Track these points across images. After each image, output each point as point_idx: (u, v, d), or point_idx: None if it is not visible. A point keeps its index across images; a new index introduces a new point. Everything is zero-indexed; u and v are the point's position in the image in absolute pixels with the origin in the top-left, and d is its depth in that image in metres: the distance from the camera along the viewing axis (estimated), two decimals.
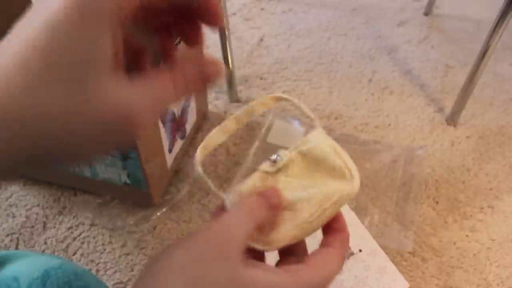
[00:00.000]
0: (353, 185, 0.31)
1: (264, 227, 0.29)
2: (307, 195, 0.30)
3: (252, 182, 0.32)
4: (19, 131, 0.20)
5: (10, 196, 0.95)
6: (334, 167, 0.30)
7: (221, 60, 1.16)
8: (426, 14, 1.50)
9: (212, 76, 0.25)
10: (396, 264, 0.83)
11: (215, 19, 0.25)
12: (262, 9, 1.50)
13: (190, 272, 0.23)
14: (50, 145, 0.21)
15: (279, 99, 0.34)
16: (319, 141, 0.31)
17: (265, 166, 0.32)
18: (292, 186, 0.31)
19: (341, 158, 0.30)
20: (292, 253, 0.32)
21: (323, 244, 0.31)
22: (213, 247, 0.24)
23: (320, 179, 0.31)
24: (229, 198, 0.31)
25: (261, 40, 1.37)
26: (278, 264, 0.31)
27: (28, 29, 0.20)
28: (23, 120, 0.19)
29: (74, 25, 0.19)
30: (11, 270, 0.40)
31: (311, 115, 0.33)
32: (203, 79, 0.25)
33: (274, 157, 0.31)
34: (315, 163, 0.31)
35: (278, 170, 0.31)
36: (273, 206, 0.29)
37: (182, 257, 0.24)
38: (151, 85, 0.23)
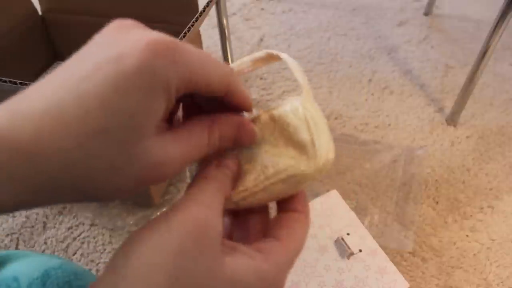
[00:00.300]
0: (313, 163, 0.26)
1: None
2: (259, 162, 0.27)
3: None
4: (56, 176, 0.20)
5: None
6: (298, 140, 0.26)
7: (222, 59, 1.16)
8: (426, 14, 1.50)
9: (243, 139, 0.27)
10: (396, 264, 0.83)
11: (246, 109, 0.27)
12: (262, 9, 1.50)
13: (168, 269, 0.21)
14: (79, 189, 0.21)
15: (271, 56, 0.30)
16: (297, 108, 0.27)
17: None
18: (252, 147, 0.28)
19: (310, 132, 0.26)
20: (254, 219, 0.30)
21: (285, 208, 0.29)
22: (191, 239, 0.22)
23: (277, 149, 0.27)
24: (190, 168, 0.29)
25: (261, 40, 1.37)
26: (247, 238, 0.30)
27: (94, 80, 0.20)
28: (67, 167, 0.20)
29: (144, 92, 0.20)
30: (11, 270, 0.40)
31: (300, 78, 0.28)
32: (235, 140, 0.27)
33: (242, 113, 0.28)
34: (282, 130, 0.27)
35: None
36: (235, 178, 0.28)
37: (156, 252, 0.22)
38: (187, 141, 0.24)
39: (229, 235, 0.29)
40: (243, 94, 0.26)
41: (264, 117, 0.28)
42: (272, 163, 0.27)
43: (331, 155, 0.27)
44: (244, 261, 0.24)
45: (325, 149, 0.26)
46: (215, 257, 0.23)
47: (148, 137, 0.21)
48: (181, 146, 0.24)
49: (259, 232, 0.29)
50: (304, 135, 0.26)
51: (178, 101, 0.26)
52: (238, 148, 0.28)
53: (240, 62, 0.31)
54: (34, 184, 0.20)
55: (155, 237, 0.22)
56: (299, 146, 0.27)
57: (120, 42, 0.21)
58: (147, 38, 0.21)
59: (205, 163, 0.28)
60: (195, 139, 0.25)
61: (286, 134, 0.27)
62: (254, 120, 0.28)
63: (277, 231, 0.27)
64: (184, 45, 0.22)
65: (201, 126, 0.25)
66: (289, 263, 0.26)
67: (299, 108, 0.27)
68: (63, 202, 0.22)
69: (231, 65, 0.30)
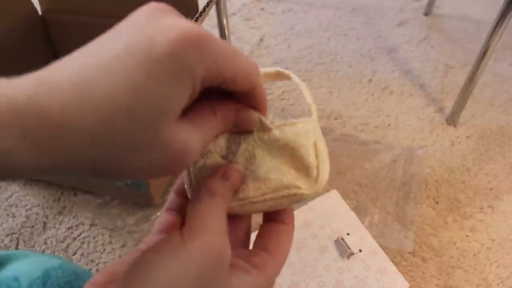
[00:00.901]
0: (314, 188, 0.28)
1: None
2: (263, 175, 0.28)
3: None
4: (79, 148, 0.20)
5: (10, 196, 0.96)
6: (303, 161, 0.28)
7: None
8: (426, 14, 1.50)
9: (242, 122, 0.27)
10: (396, 264, 0.83)
11: (262, 108, 0.28)
12: (262, 9, 1.50)
13: None
14: (99, 164, 0.22)
15: (279, 74, 0.31)
16: (308, 131, 0.28)
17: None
18: (256, 157, 0.28)
19: (317, 157, 0.28)
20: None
21: (273, 219, 0.30)
22: (210, 267, 0.23)
23: (283, 166, 0.28)
24: (186, 178, 0.29)
25: (261, 40, 1.37)
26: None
27: (127, 59, 0.21)
28: (90, 141, 0.20)
29: (171, 78, 0.21)
30: (11, 270, 0.40)
31: (310, 101, 0.30)
32: (234, 124, 0.27)
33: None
34: (285, 147, 0.28)
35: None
36: (236, 191, 0.28)
37: (176, 280, 0.22)
38: (200, 127, 0.25)
39: None
40: (263, 92, 0.27)
41: (275, 132, 0.28)
42: (276, 178, 0.28)
43: (326, 180, 0.29)
44: (245, 278, 0.26)
45: (326, 175, 0.28)
46: (227, 279, 0.24)
47: (173, 123, 0.22)
48: (198, 133, 0.24)
49: (244, 239, 0.31)
50: (312, 159, 0.28)
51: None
52: (241, 155, 0.28)
53: None
54: (55, 152, 0.20)
55: (176, 263, 0.23)
56: (304, 168, 0.28)
57: (153, 26, 0.21)
58: (180, 26, 0.21)
59: (206, 169, 0.28)
60: (206, 123, 0.25)
61: (295, 154, 0.28)
62: (265, 129, 0.29)
63: (268, 244, 0.29)
64: (214, 37, 0.22)
65: (207, 111, 0.26)
66: (277, 274, 0.28)
67: (310, 132, 0.28)
68: (81, 172, 0.22)
69: None
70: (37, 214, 0.92)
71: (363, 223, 0.87)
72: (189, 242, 0.23)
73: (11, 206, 0.94)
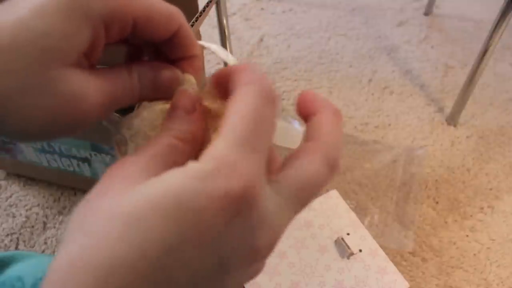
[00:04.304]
0: None
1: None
2: None
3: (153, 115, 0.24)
4: None
5: (10, 196, 0.96)
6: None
7: (223, 62, 1.15)
8: (426, 14, 1.50)
9: (162, 82, 0.25)
10: (396, 264, 0.83)
11: (194, 51, 0.25)
12: (262, 9, 1.50)
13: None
14: None
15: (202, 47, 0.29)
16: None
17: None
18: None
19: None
20: None
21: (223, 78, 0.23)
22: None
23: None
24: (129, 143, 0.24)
25: (261, 40, 1.37)
26: None
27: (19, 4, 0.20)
28: None
29: (61, 14, 0.20)
30: (16, 270, 0.41)
31: (225, 56, 0.27)
32: (156, 84, 0.25)
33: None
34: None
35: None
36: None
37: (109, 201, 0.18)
38: (107, 78, 0.23)
39: None
40: (192, 38, 0.25)
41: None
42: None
43: None
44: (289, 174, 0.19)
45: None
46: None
47: (67, 65, 0.21)
48: (101, 84, 0.22)
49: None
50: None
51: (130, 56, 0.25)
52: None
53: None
54: None
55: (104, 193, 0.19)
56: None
57: None
58: None
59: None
60: (115, 79, 0.23)
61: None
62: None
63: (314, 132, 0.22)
64: None
65: (121, 68, 0.24)
66: (339, 154, 0.21)
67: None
68: None
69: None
70: (37, 214, 0.92)
71: (363, 223, 0.87)
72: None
73: (11, 206, 0.94)
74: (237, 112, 0.19)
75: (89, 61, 0.23)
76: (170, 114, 0.22)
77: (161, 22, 0.23)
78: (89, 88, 0.22)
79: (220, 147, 0.18)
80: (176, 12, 0.24)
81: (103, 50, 0.24)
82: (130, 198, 0.17)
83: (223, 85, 0.22)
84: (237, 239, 0.17)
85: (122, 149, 0.24)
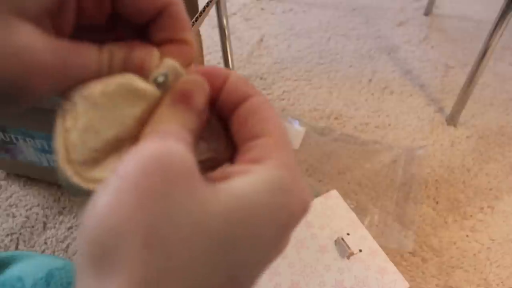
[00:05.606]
0: None
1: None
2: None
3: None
4: None
5: (10, 196, 0.96)
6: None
7: (222, 59, 1.16)
8: (426, 14, 1.50)
9: (134, 63, 0.22)
10: (396, 264, 0.83)
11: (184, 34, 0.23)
12: (262, 9, 1.50)
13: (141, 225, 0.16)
14: None
15: None
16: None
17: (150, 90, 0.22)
18: None
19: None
20: None
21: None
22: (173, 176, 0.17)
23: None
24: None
25: (261, 40, 1.37)
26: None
27: None
28: None
29: None
30: (16, 270, 0.41)
31: None
32: (126, 63, 0.22)
33: (160, 78, 0.22)
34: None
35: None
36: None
37: (132, 199, 0.16)
38: (70, 48, 0.21)
39: None
40: (180, 16, 0.22)
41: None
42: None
43: None
44: (244, 179, 0.18)
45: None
46: (197, 186, 0.17)
47: (22, 17, 0.19)
48: (58, 45, 0.20)
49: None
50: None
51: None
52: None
53: None
54: None
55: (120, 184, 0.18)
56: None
57: None
58: None
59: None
60: (80, 46, 0.21)
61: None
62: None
63: (253, 128, 0.21)
64: None
65: (92, 44, 0.22)
66: (293, 159, 0.21)
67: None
68: None
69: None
70: (37, 214, 0.92)
71: (363, 223, 0.87)
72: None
73: (11, 206, 0.94)
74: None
75: (55, 27, 0.21)
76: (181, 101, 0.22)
77: None
78: (38, 44, 0.19)
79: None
80: None
81: (75, 23, 0.22)
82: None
83: (215, 87, 0.22)
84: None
85: (67, 121, 0.21)
